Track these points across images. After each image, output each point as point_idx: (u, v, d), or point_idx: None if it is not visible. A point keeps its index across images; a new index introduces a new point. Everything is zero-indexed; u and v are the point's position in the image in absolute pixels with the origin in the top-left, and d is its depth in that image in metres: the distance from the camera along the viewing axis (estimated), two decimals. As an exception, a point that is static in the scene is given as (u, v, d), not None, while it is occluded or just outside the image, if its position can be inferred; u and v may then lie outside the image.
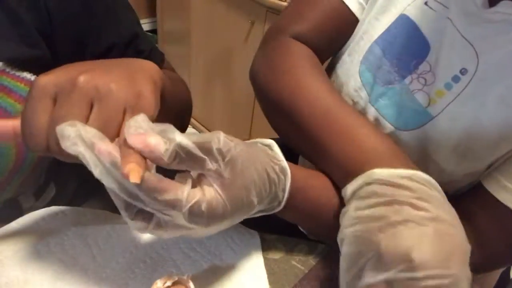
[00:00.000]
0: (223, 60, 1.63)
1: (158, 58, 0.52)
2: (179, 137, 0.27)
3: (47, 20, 0.40)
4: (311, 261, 0.39)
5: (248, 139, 0.38)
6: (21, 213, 0.40)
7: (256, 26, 1.42)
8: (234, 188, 0.30)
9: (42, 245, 0.37)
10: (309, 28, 0.49)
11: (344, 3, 0.48)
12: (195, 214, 0.28)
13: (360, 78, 0.47)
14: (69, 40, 0.42)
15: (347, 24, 0.50)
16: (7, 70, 0.38)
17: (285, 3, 1.24)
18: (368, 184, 0.34)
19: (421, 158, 0.42)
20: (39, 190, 0.49)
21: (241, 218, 0.33)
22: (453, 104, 0.40)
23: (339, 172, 0.38)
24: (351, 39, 0.50)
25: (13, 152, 0.39)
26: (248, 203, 0.32)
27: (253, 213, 0.34)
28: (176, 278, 0.31)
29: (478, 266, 0.43)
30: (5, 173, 0.40)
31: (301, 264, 0.39)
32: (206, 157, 0.28)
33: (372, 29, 0.47)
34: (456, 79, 0.41)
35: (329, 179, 0.41)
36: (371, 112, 0.46)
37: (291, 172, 0.35)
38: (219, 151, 0.29)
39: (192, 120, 1.98)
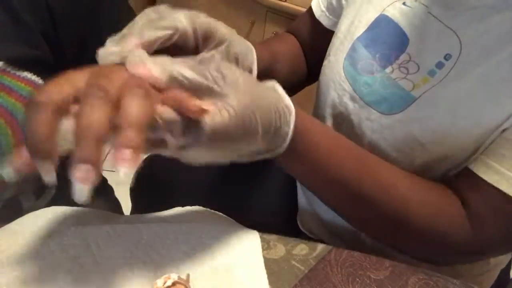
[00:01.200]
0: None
1: None
2: (177, 66, 0.28)
3: (49, 21, 0.40)
4: (311, 261, 0.39)
5: None
6: (21, 213, 0.40)
7: (256, 26, 1.42)
8: (238, 106, 0.30)
9: (42, 245, 0.37)
10: (298, 27, 0.62)
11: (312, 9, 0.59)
12: (197, 135, 0.29)
13: (344, 73, 0.50)
14: (70, 41, 0.43)
15: (314, 22, 0.59)
16: (8, 69, 0.38)
17: (285, 3, 1.24)
18: None
19: (408, 141, 0.44)
20: (39, 189, 0.49)
21: (244, 148, 0.32)
22: (437, 86, 0.42)
23: None
24: (335, 40, 0.54)
25: (13, 151, 0.39)
26: (252, 129, 0.31)
27: (258, 149, 0.34)
28: (176, 278, 0.31)
29: (476, 251, 0.44)
30: None
31: (301, 264, 0.39)
32: (205, 81, 0.29)
33: (354, 29, 0.50)
34: (440, 65, 0.43)
35: (337, 132, 0.42)
36: (357, 101, 0.48)
37: (298, 114, 0.36)
38: (225, 74, 0.30)
39: (192, 120, 1.97)
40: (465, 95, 0.41)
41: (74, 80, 0.27)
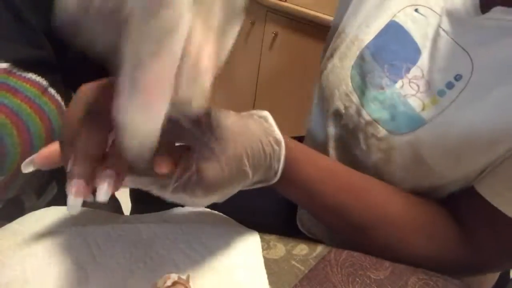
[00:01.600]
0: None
1: None
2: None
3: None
4: (311, 261, 0.39)
5: None
6: (22, 212, 0.40)
7: (256, 26, 1.42)
8: (226, 158, 0.31)
9: (42, 245, 0.37)
10: None
11: None
12: (191, 189, 0.30)
13: (351, 82, 0.47)
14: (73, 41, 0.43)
15: None
16: (14, 71, 0.39)
17: (285, 3, 1.24)
18: None
19: (415, 162, 0.43)
20: (40, 189, 0.49)
21: (238, 189, 0.34)
22: (448, 110, 0.40)
23: None
24: (339, 42, 0.51)
25: (18, 151, 0.39)
26: (242, 174, 0.32)
27: (250, 184, 0.35)
28: (176, 278, 0.31)
29: (473, 269, 0.44)
30: (10, 172, 0.41)
31: (301, 264, 0.39)
32: (194, 128, 0.29)
33: (362, 35, 0.48)
34: (449, 85, 0.40)
35: (331, 160, 0.42)
36: (364, 116, 0.46)
37: (288, 145, 0.36)
38: (208, 123, 0.30)
39: (192, 120, 1.97)
40: (479, 120, 0.39)
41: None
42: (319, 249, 0.41)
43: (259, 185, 0.37)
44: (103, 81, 0.29)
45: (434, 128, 0.41)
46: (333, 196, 0.40)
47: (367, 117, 0.45)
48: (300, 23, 1.23)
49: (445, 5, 0.42)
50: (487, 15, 0.39)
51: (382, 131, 0.44)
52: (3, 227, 0.38)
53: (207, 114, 0.31)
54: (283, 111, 1.45)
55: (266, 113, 0.37)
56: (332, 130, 0.51)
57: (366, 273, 0.38)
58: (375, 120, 0.45)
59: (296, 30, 1.26)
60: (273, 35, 1.34)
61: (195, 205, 0.34)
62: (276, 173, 0.36)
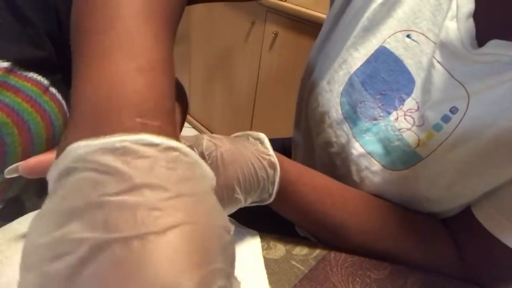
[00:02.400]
0: (223, 60, 1.64)
1: None
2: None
3: (55, 21, 0.41)
4: (311, 261, 0.39)
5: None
6: (23, 212, 0.40)
7: (256, 26, 1.42)
8: (217, 189, 0.31)
9: (43, 244, 0.37)
10: None
11: None
12: None
13: (341, 110, 0.45)
14: None
15: None
16: (14, 70, 0.39)
17: (285, 3, 1.25)
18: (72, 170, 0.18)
19: (414, 196, 0.42)
20: (41, 188, 0.49)
21: (230, 212, 0.34)
22: (444, 145, 0.39)
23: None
24: (328, 63, 0.48)
25: (19, 150, 0.39)
26: (234, 201, 0.32)
27: (244, 205, 0.35)
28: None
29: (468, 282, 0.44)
30: None
31: (301, 264, 0.39)
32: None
33: (351, 59, 0.45)
34: (446, 118, 0.39)
35: (326, 179, 0.41)
36: (356, 147, 0.44)
37: (284, 167, 0.36)
38: (201, 154, 0.30)
39: (192, 120, 1.98)
40: (478, 156, 0.37)
41: None
42: (319, 249, 0.41)
43: (254, 205, 0.37)
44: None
45: (431, 164, 0.40)
46: (328, 215, 0.40)
47: (360, 149, 0.44)
48: (300, 23, 1.23)
49: (440, 35, 0.40)
50: (485, 49, 0.37)
51: (376, 165, 0.43)
52: (3, 227, 0.38)
53: (200, 144, 0.31)
54: (283, 111, 1.45)
55: (262, 135, 0.37)
56: (323, 158, 0.50)
57: (366, 273, 0.38)
58: (369, 153, 0.43)
59: (296, 30, 1.26)
60: (273, 35, 1.34)
61: None
62: (270, 195, 0.36)
